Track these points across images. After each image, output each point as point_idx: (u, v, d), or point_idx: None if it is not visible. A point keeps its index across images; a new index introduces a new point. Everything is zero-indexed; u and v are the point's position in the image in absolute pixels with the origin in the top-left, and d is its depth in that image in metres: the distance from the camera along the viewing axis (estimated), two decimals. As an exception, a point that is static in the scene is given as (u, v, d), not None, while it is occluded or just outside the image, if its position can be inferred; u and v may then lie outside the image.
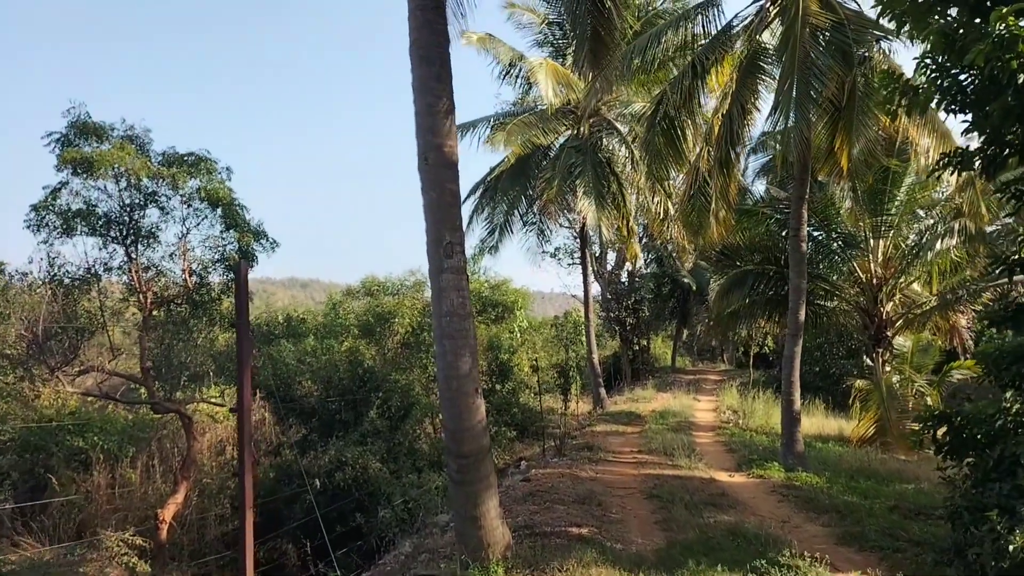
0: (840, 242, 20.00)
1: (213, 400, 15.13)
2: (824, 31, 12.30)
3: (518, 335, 25.52)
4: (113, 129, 13.34)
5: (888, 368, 19.69)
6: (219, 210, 13.88)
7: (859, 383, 20.35)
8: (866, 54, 12.34)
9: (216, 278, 14.24)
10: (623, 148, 24.05)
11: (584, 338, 27.71)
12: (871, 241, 19.85)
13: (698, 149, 15.44)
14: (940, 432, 6.54)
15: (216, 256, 14.06)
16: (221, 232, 14.09)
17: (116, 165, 12.70)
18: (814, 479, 12.06)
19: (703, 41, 14.16)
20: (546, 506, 8.96)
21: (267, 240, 14.32)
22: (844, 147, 11.91)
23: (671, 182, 24.72)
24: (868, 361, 21.00)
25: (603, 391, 25.77)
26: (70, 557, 12.69)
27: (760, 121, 20.65)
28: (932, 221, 19.36)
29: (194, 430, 13.51)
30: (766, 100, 15.78)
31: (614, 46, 12.22)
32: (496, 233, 25.17)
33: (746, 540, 7.53)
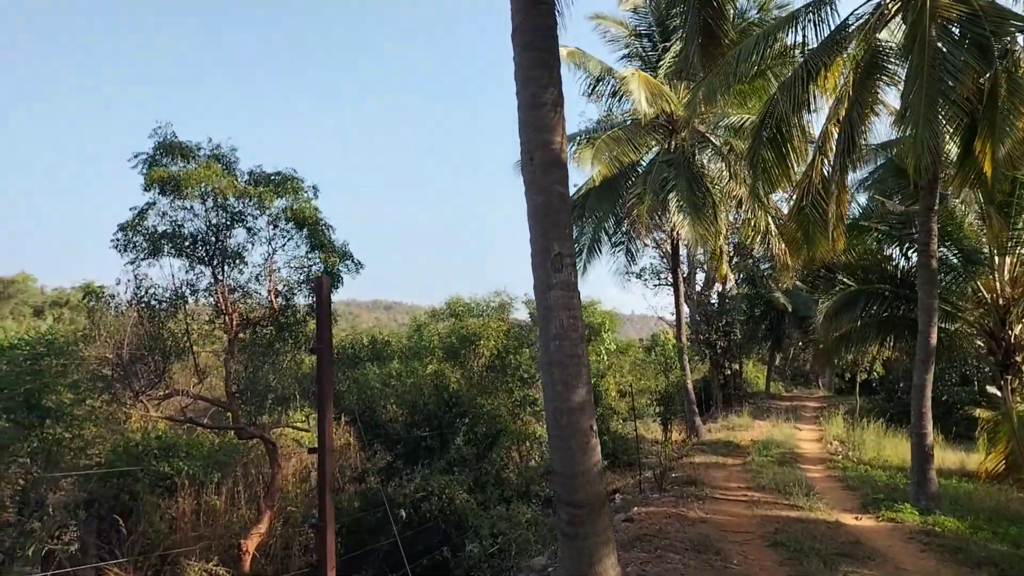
0: (961, 259, 18.37)
1: (298, 425, 14.69)
2: (955, 24, 11.10)
3: (605, 358, 24.54)
4: (199, 148, 13.16)
5: (1018, 398, 17.89)
6: (305, 230, 13.53)
7: (983, 413, 18.58)
8: (1007, 47, 11.04)
9: (302, 300, 13.84)
10: (718, 162, 22.95)
11: (674, 363, 26.59)
12: (996, 258, 18.17)
13: (808, 159, 14.32)
14: None
15: (302, 277, 13.67)
16: (307, 252, 13.73)
17: (203, 184, 12.48)
18: (954, 523, 10.72)
19: (813, 44, 13.11)
20: (657, 554, 8.00)
21: (352, 261, 13.88)
22: (987, 150, 10.61)
23: (770, 196, 23.57)
24: (992, 389, 19.22)
25: (698, 419, 24.50)
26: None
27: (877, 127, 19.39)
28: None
29: (278, 456, 13.06)
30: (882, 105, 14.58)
31: (724, 43, 11.35)
32: (583, 254, 24.36)
33: (900, 604, 6.43)
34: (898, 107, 12.94)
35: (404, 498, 14.73)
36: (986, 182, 12.57)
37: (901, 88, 12.20)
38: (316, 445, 15.33)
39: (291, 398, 15.37)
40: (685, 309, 26.05)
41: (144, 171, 12.56)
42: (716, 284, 38.72)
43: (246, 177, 13.37)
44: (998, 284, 18.08)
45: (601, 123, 24.14)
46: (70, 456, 14.18)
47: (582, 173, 23.61)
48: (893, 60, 12.47)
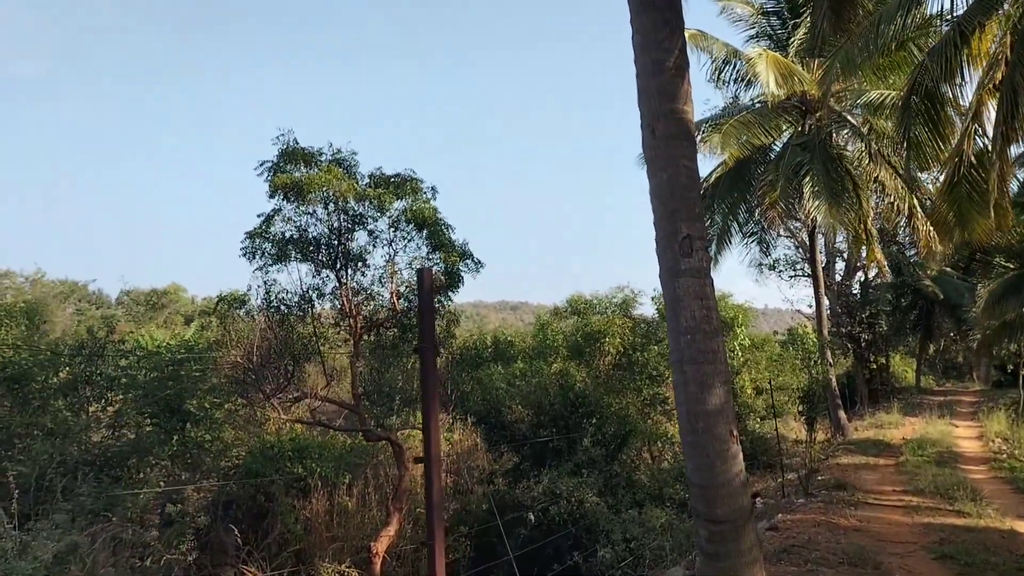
0: None
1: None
2: None
3: (739, 354, 23.39)
4: (321, 153, 13.28)
5: None
6: (425, 231, 13.41)
7: None
8: None
9: (424, 301, 13.73)
10: (858, 142, 21.39)
11: (814, 357, 25.08)
12: None
13: (960, 130, 12.96)
14: None
15: (423, 278, 13.56)
16: (428, 253, 13.61)
17: (324, 188, 12.56)
18: None
19: (960, 9, 11.83)
20: (808, 568, 7.24)
21: (472, 260, 13.64)
22: None
23: (916, 175, 21.78)
24: None
25: (843, 416, 22.96)
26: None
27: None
28: None
29: (406, 458, 12.97)
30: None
31: (860, 12, 10.35)
32: (714, 244, 23.28)
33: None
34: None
35: (532, 501, 14.40)
36: None
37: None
38: (446, 445, 15.18)
39: (417, 399, 15.35)
40: (825, 301, 24.47)
41: (269, 178, 12.78)
42: (858, 273, 36.50)
43: (366, 180, 13.38)
44: None
45: (727, 109, 23.04)
46: (210, 459, 14.70)
47: (708, 161, 22.64)
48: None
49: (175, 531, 11.25)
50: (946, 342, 45.33)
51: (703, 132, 21.70)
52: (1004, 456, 18.02)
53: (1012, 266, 17.57)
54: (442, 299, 13.63)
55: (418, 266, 13.44)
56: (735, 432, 4.68)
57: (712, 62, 21.76)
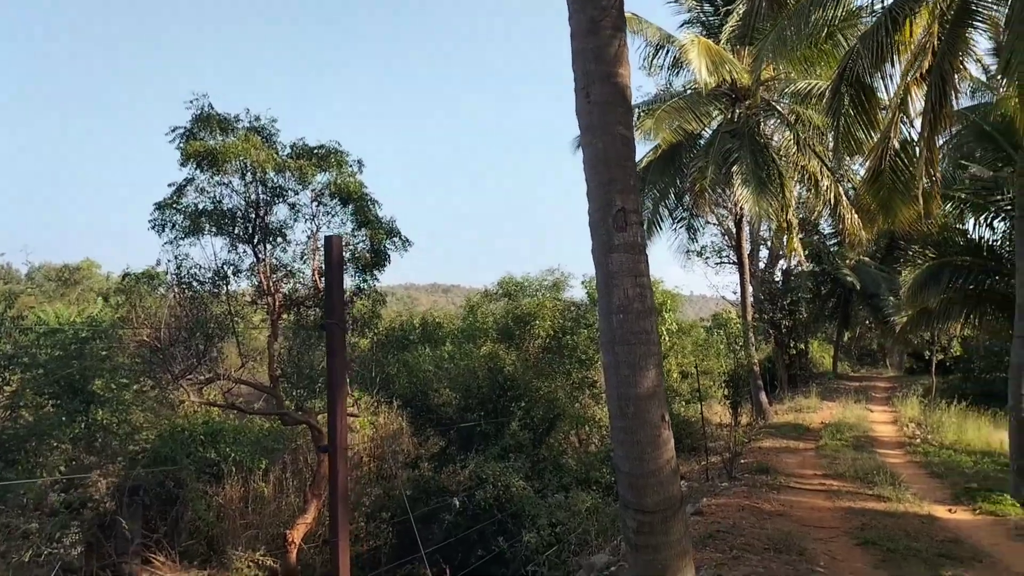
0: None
1: (347, 411, 14.11)
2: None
3: (666, 339, 23.54)
4: (238, 120, 12.59)
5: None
6: (350, 206, 12.89)
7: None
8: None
9: (348, 280, 13.22)
10: (785, 131, 21.63)
11: (738, 343, 25.43)
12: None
13: (886, 119, 13.09)
14: None
15: (348, 255, 13.03)
16: (353, 230, 13.09)
17: (242, 157, 11.91)
18: (1063, 518, 9.59)
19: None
20: (733, 555, 7.12)
21: (400, 238, 13.21)
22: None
23: (842, 165, 22.18)
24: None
25: (765, 400, 23.35)
26: (199, 576, 12.04)
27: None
28: None
29: (325, 443, 12.50)
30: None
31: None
32: (644, 230, 23.27)
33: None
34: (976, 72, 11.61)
35: (458, 485, 14.12)
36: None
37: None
38: (370, 428, 14.65)
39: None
40: (749, 288, 24.78)
41: (181, 146, 12.06)
42: (780, 262, 37.25)
43: (287, 151, 12.76)
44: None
45: (660, 95, 23.00)
46: (117, 442, 13.93)
47: (641, 147, 22.57)
48: (989, 3, 11.16)
49: (57, 522, 10.49)
50: (862, 329, 46.74)
51: (638, 115, 21.61)
52: (918, 441, 18.54)
53: (932, 254, 17.93)
54: (368, 278, 13.16)
55: (346, 242, 12.94)
56: (667, 417, 4.43)
57: (646, 46, 21.65)
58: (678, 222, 26.52)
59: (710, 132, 22.47)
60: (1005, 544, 8.38)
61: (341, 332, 3.53)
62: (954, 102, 11.57)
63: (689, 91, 21.90)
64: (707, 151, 21.14)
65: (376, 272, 12.89)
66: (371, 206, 12.62)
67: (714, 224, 34.61)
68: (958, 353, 30.69)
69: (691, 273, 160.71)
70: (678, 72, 22.46)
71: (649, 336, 4.34)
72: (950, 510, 10.26)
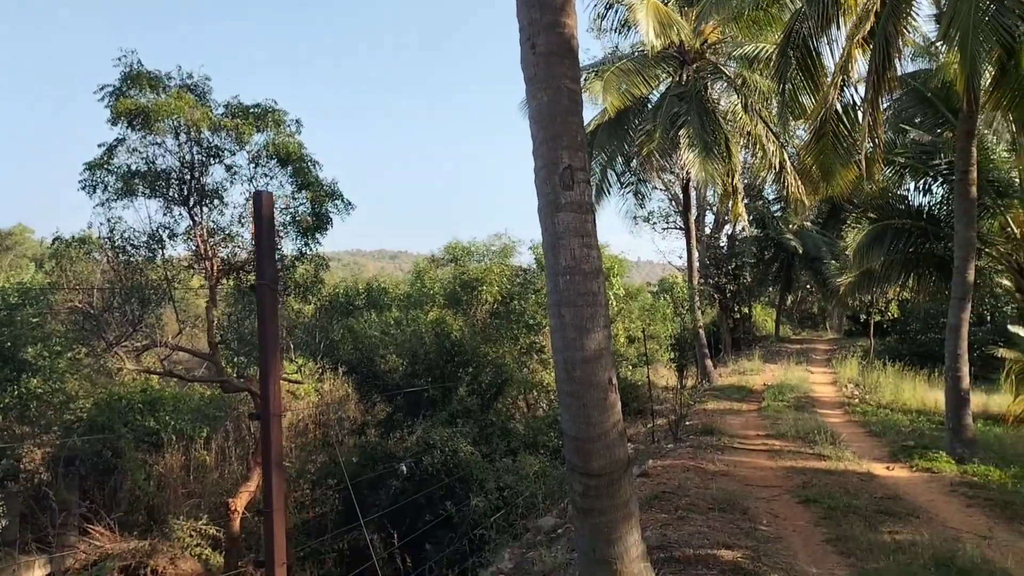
0: (991, 192, 17.20)
1: (290, 377, 13.84)
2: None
3: (614, 304, 23.64)
4: (170, 78, 12.06)
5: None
6: (289, 167, 12.49)
7: (1008, 354, 17.71)
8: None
9: (289, 243, 12.88)
10: (731, 95, 21.67)
11: (683, 307, 25.74)
12: (1028, 190, 17.04)
13: (830, 82, 13.15)
14: None
15: (288, 218, 12.67)
16: (293, 192, 12.71)
17: (175, 116, 11.43)
18: (995, 472, 9.90)
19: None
20: (679, 515, 7.15)
21: (343, 201, 12.86)
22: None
23: (786, 130, 22.33)
24: (1015, 328, 18.32)
25: (710, 363, 23.69)
26: (140, 547, 11.73)
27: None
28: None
29: (267, 410, 12.22)
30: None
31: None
32: (592, 194, 23.16)
33: (963, 574, 5.57)
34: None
35: (405, 452, 14.02)
36: (1023, 104, 11.50)
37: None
38: (315, 395, 14.37)
39: (285, 349, 14.56)
40: (695, 253, 24.99)
41: (110, 104, 11.51)
42: (726, 227, 37.67)
43: (222, 109, 12.27)
44: (1029, 218, 16.99)
45: (608, 59, 22.80)
46: (52, 412, 13.44)
47: (589, 110, 22.38)
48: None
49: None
50: (804, 293, 47.72)
51: (586, 77, 21.41)
52: (857, 401, 19.00)
53: (874, 217, 18.25)
54: (309, 242, 12.82)
55: (282, 205, 12.56)
56: (614, 380, 4.34)
57: (595, 6, 21.40)
58: (626, 187, 26.59)
59: (658, 96, 22.40)
60: (940, 500, 8.61)
61: (272, 294, 3.33)
62: (897, 66, 11.64)
63: (637, 53, 21.77)
64: (655, 115, 21.08)
65: (318, 236, 12.56)
66: (311, 167, 12.25)
67: (661, 189, 34.85)
68: (895, 315, 31.49)
69: (639, 239, 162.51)
70: (626, 34, 22.31)
71: (596, 298, 4.23)
72: (888, 467, 10.51)
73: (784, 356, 30.14)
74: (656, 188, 34.09)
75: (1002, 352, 18.43)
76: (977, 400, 18.87)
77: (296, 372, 14.16)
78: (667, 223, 37.94)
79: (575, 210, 4.19)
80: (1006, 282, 18.39)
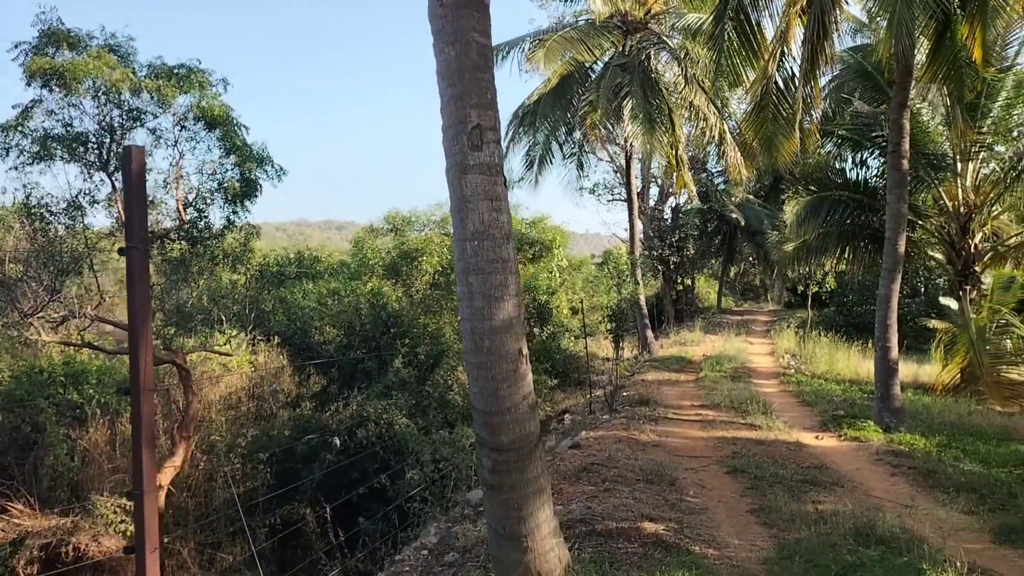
0: (925, 165, 17.51)
1: (219, 349, 13.45)
2: None
3: (557, 275, 23.61)
4: (91, 38, 11.47)
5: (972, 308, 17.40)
6: (217, 131, 12.01)
7: (939, 325, 18.16)
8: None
9: (217, 211, 12.43)
10: (674, 66, 21.59)
11: (627, 278, 25.78)
12: (959, 164, 17.39)
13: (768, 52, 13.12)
14: None
15: (215, 185, 12.22)
16: (220, 157, 12.24)
17: (93, 76, 10.87)
18: (920, 442, 10.10)
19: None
20: (606, 487, 7.09)
21: (273, 167, 12.43)
22: (976, 34, 9.53)
23: (727, 101, 22.40)
24: (945, 300, 18.78)
25: (650, 334, 23.84)
26: (61, 524, 11.32)
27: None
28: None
29: (193, 383, 11.85)
30: None
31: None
32: (535, 165, 22.97)
33: (881, 543, 5.60)
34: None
35: (339, 424, 13.78)
36: (958, 77, 11.64)
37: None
38: (248, 368, 13.99)
39: (215, 320, 14.12)
40: (638, 224, 25.00)
41: (25, 63, 10.91)
42: (670, 199, 37.86)
43: (145, 70, 11.71)
44: (960, 191, 17.36)
45: (553, 28, 22.50)
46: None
47: (533, 80, 22.12)
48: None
49: None
50: (746, 265, 48.39)
51: (529, 45, 21.11)
52: (792, 371, 19.29)
53: (813, 189, 18.47)
54: (238, 209, 12.39)
55: (209, 171, 12.10)
56: (524, 351, 4.17)
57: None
58: (569, 158, 26.38)
59: (601, 65, 22.21)
60: (866, 468, 8.73)
61: (143, 257, 3.07)
62: (834, 35, 11.66)
63: (582, 21, 21.55)
64: (598, 85, 20.88)
65: (247, 203, 12.13)
66: (238, 130, 11.79)
67: (606, 161, 34.78)
68: (833, 287, 32.10)
69: (583, 210, 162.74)
70: (571, 2, 22.04)
71: (506, 265, 4.04)
72: (817, 437, 10.64)
73: (725, 327, 30.50)
74: (602, 160, 34.08)
75: (933, 323, 18.89)
76: (908, 370, 19.37)
77: (226, 344, 13.76)
78: (612, 195, 37.97)
79: (484, 172, 3.99)
80: (938, 255, 18.81)
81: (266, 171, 12.25)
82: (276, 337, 15.27)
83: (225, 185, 11.99)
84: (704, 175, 37.31)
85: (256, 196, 12.15)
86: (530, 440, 4.12)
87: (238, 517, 12.58)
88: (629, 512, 6.29)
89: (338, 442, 12.89)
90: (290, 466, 13.10)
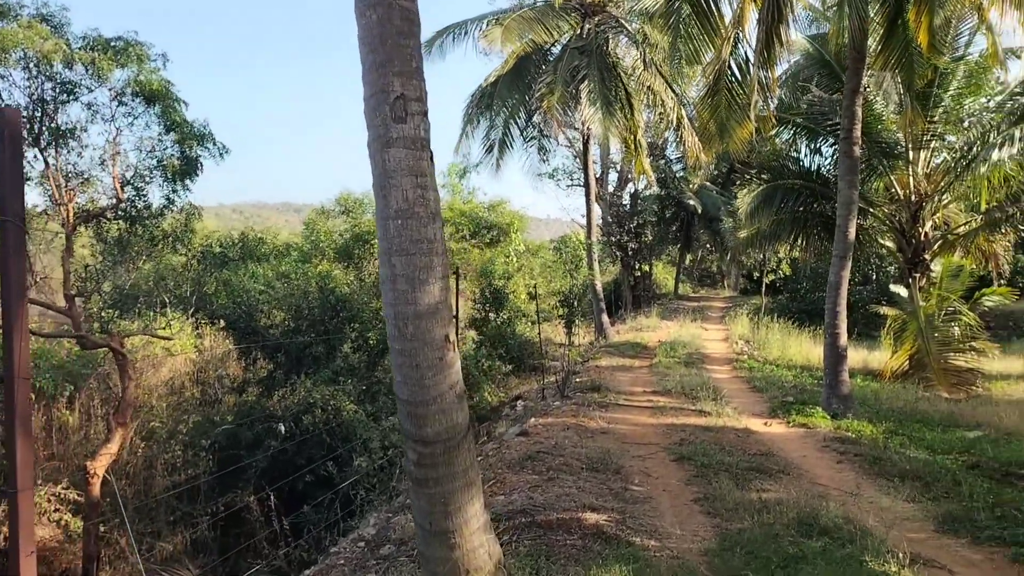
0: (878, 153, 17.62)
1: (160, 333, 13.00)
2: None
3: (514, 259, 23.39)
4: (22, 6, 10.93)
5: (921, 295, 17.61)
6: (155, 107, 11.55)
7: (888, 312, 18.38)
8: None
9: (156, 189, 11.98)
10: (632, 50, 21.43)
11: (584, 263, 25.67)
12: (911, 152, 17.53)
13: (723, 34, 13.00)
14: None
15: (154, 162, 11.76)
16: (160, 133, 11.78)
17: (24, 47, 10.35)
18: (867, 428, 10.14)
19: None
20: (550, 476, 6.92)
21: (214, 144, 12.02)
22: (923, 20, 9.50)
23: (686, 88, 22.32)
24: (895, 288, 19.02)
25: (606, 320, 23.77)
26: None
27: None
28: (984, 129, 16.80)
29: (130, 367, 11.40)
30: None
31: None
32: (495, 149, 22.68)
33: (824, 534, 5.51)
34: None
35: (285, 410, 13.44)
36: (909, 64, 11.65)
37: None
38: (192, 353, 13.54)
39: (158, 303, 13.66)
40: (597, 210, 24.90)
41: (-53, 31, 10.32)
42: (629, 185, 37.85)
43: (79, 42, 11.19)
44: (912, 179, 17.51)
45: (513, 9, 22.17)
46: None
47: (492, 61, 21.80)
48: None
49: None
50: (703, 252, 48.78)
51: (487, 24, 20.78)
52: (745, 356, 19.38)
53: (767, 177, 18.50)
54: (178, 188, 11.97)
55: (148, 148, 11.64)
56: (452, 337, 3.95)
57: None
58: (530, 142, 26.13)
59: (560, 48, 21.97)
60: (812, 455, 8.70)
61: (19, 233, 2.78)
62: (789, 19, 11.56)
63: (540, 2, 21.29)
64: (555, 67, 20.65)
65: (187, 182, 11.71)
66: (177, 106, 11.34)
67: (566, 146, 34.60)
68: (787, 274, 32.44)
69: (543, 195, 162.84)
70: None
71: (432, 246, 3.80)
72: (766, 423, 10.60)
73: (681, 313, 30.65)
74: (560, 145, 33.88)
75: (883, 310, 19.12)
76: (858, 357, 19.58)
77: (165, 327, 13.32)
78: (571, 180, 37.83)
79: (408, 146, 3.73)
80: (889, 243, 18.99)
81: (208, 149, 11.86)
82: (220, 320, 14.84)
83: (164, 163, 11.56)
84: (663, 162, 37.37)
85: (197, 175, 11.76)
86: (458, 432, 3.91)
87: (179, 505, 12.24)
88: (572, 502, 6.13)
89: (283, 429, 12.57)
90: (234, 453, 12.73)
